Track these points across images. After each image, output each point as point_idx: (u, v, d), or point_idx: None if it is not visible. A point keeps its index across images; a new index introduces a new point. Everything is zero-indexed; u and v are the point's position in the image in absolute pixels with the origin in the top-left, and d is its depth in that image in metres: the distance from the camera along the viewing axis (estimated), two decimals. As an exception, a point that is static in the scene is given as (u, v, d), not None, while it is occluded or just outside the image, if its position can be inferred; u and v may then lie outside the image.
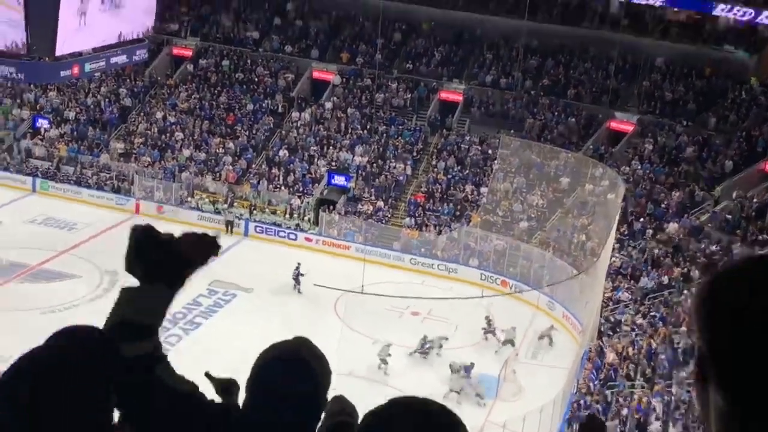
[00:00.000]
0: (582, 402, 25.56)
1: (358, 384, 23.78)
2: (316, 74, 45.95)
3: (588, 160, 38.91)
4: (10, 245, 33.34)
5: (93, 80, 44.41)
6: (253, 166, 41.72)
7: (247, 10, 49.48)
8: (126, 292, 2.22)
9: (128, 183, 40.76)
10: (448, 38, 46.67)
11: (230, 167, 41.25)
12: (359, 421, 1.90)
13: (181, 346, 28.47)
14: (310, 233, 38.41)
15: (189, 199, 40.16)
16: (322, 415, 2.24)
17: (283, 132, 43.07)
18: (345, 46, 47.09)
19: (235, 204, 39.84)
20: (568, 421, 24.88)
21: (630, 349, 27.65)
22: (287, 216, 39.43)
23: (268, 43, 47.60)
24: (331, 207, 39.25)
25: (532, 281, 34.85)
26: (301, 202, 39.74)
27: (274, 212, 39.71)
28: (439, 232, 37.80)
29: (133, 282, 2.26)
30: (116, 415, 2.10)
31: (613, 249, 32.56)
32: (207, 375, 2.39)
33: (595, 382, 26.42)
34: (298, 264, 33.41)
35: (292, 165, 41.32)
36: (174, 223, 38.38)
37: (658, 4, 42.58)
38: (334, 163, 41.27)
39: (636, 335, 28.53)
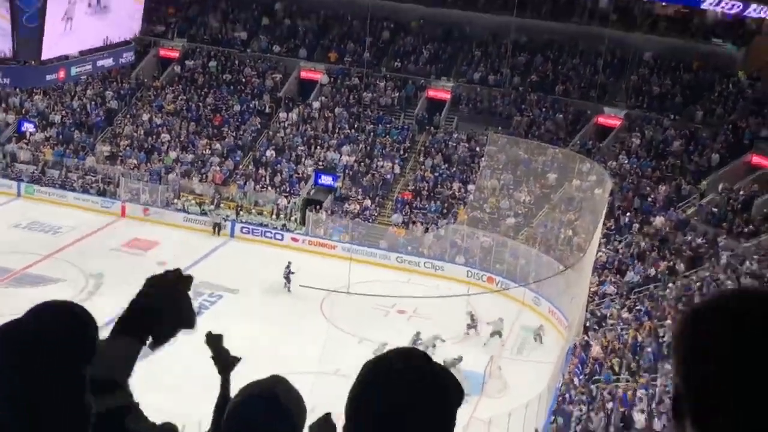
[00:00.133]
0: (567, 396, 25.42)
1: (344, 382, 23.61)
2: (303, 74, 45.85)
3: (575, 155, 38.82)
4: (-6, 250, 33.23)
5: (79, 83, 44.23)
6: (240, 167, 41.59)
7: (235, 10, 49.37)
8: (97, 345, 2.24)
9: (114, 186, 40.61)
10: (436, 36, 46.61)
11: (217, 168, 41.13)
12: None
13: (167, 349, 28.30)
14: (297, 233, 38.28)
15: (175, 201, 40.03)
16: None
17: (271, 132, 42.95)
18: (333, 46, 47.02)
19: (222, 205, 39.71)
20: (553, 413, 24.74)
21: (615, 343, 27.51)
22: (274, 216, 39.30)
23: (256, 43, 47.50)
24: (318, 207, 39.12)
25: (518, 277, 34.74)
26: (288, 203, 39.61)
27: (260, 213, 39.59)
28: (426, 230, 37.68)
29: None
30: None
31: (600, 244, 32.44)
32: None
33: (581, 377, 26.27)
34: (289, 263, 33.29)
35: (279, 165, 41.19)
36: (160, 225, 38.34)
37: (646, -2, 42.59)
38: (321, 163, 41.15)
39: (621, 329, 28.40)
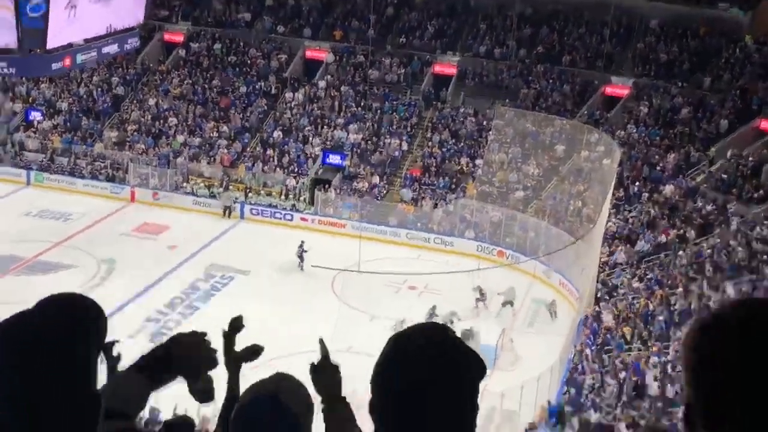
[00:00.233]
0: (579, 367, 25.44)
1: (357, 360, 23.71)
2: (309, 53, 45.71)
3: (583, 126, 38.63)
4: (6, 239, 33.36)
5: (85, 70, 44.25)
6: (248, 148, 41.60)
7: (239, -8, 49.20)
8: (114, 376, 2.44)
9: (123, 171, 40.70)
10: (441, 10, 46.34)
11: (225, 151, 41.15)
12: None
13: (180, 330, 28.45)
14: (306, 213, 38.30)
15: (184, 184, 40.10)
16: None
17: (277, 113, 42.91)
18: (337, 24, 46.83)
19: (231, 187, 39.75)
20: (566, 384, 24.77)
21: (627, 313, 27.48)
22: (283, 197, 39.33)
23: (260, 24, 47.35)
24: (327, 186, 39.12)
25: (528, 250, 34.69)
26: (297, 183, 39.62)
27: (269, 194, 39.62)
28: (435, 206, 37.63)
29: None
30: None
31: (609, 214, 32.35)
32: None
33: (593, 347, 26.27)
34: (302, 242, 33.33)
35: (286, 146, 41.18)
36: (170, 209, 38.44)
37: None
38: (328, 142, 41.10)
39: (633, 298, 28.34)
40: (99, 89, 44.84)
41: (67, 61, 38.49)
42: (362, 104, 42.73)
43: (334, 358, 2.56)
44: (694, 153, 36.43)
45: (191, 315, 29.80)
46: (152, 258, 33.24)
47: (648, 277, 29.40)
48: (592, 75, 42.02)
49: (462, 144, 40.27)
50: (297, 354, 23.14)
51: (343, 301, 30.61)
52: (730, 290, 25.90)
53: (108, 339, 2.23)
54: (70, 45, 36.93)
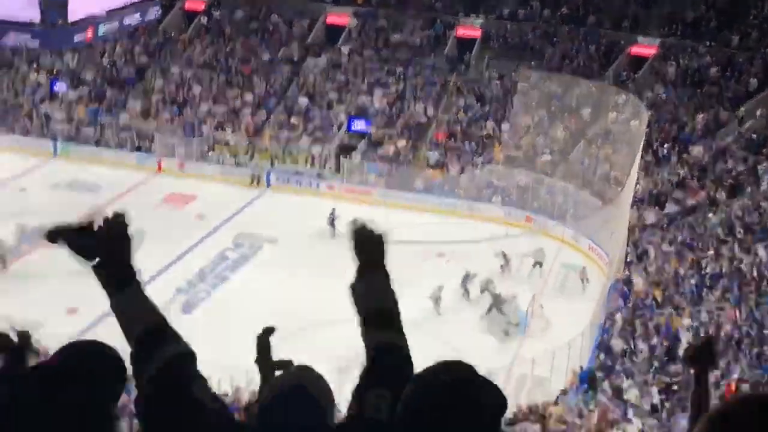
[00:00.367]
0: (611, 332, 25.37)
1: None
2: (330, 19, 45.41)
3: (610, 88, 38.26)
4: (35, 211, 33.51)
5: (107, 40, 44.22)
6: (272, 116, 41.52)
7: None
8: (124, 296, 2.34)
9: (149, 141, 40.77)
10: (462, -28, 45.81)
11: (249, 119, 41.10)
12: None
13: (210, 300, 28.69)
14: (332, 181, 38.26)
15: (210, 153, 40.12)
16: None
17: (301, 80, 42.75)
18: (359, -12, 46.45)
19: (256, 155, 39.74)
20: (597, 349, 24.75)
21: (657, 277, 27.35)
22: (308, 165, 39.30)
23: (281, -10, 47.10)
24: (352, 153, 39.03)
25: (556, 215, 34.55)
26: (322, 150, 39.55)
27: (295, 162, 39.58)
28: (462, 170, 37.48)
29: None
30: None
31: (638, 176, 32.06)
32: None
33: (623, 311, 26.19)
34: (333, 209, 33.28)
35: (311, 113, 41.08)
36: (196, 179, 38.50)
37: None
38: (353, 108, 40.94)
39: (663, 262, 28.19)
40: (122, 59, 44.83)
41: (90, 33, 38.56)
42: (386, 69, 42.47)
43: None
44: (723, 113, 36.00)
45: (221, 285, 29.96)
46: (181, 228, 33.34)
47: (678, 239, 29.22)
48: (618, 35, 41.52)
49: (488, 108, 40.01)
50: (327, 323, 23.43)
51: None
52: (762, 252, 25.73)
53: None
54: (92, 17, 36.96)
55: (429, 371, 2.11)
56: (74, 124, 41.90)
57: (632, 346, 24.10)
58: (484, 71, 41.77)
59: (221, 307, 27.69)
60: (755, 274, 24.74)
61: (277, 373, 2.74)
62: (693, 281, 26.16)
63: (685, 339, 23.40)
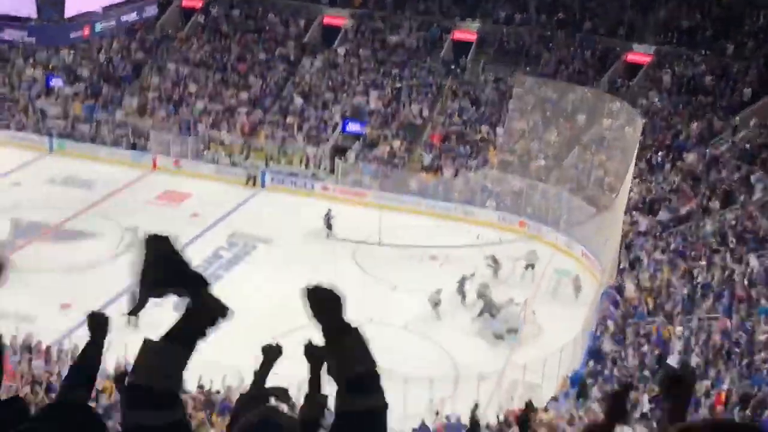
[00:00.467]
0: (602, 339, 25.49)
1: (378, 330, 23.90)
2: (327, 20, 45.48)
3: (604, 94, 38.41)
4: (30, 206, 33.61)
5: (104, 36, 44.22)
6: (268, 115, 41.57)
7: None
8: (149, 348, 2.21)
9: (144, 139, 40.77)
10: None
11: (245, 118, 41.15)
12: None
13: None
14: (327, 182, 38.34)
15: (205, 152, 40.15)
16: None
17: (296, 80, 42.81)
18: (356, -11, 46.52)
19: (251, 155, 39.78)
20: (588, 356, 24.87)
21: (649, 284, 27.48)
22: (303, 165, 39.36)
23: (278, -10, 47.14)
24: (347, 154, 39.11)
25: (549, 221, 34.68)
26: (317, 151, 39.62)
27: (290, 162, 39.63)
28: (456, 174, 37.60)
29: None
30: None
31: (632, 183, 32.22)
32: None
33: (615, 319, 26.32)
34: (329, 210, 33.44)
35: (306, 113, 41.14)
36: (192, 177, 38.53)
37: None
38: (348, 109, 41.01)
39: (655, 269, 28.33)
40: (119, 56, 44.82)
41: (86, 31, 38.66)
42: (381, 71, 42.57)
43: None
44: (717, 122, 36.20)
45: (214, 283, 29.43)
46: (175, 226, 33.11)
47: (671, 247, 29.36)
48: (614, 42, 41.69)
49: (483, 111, 40.14)
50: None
51: (365, 271, 30.75)
52: (754, 262, 25.89)
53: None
54: (89, 14, 37.02)
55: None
56: (70, 121, 41.88)
57: (623, 354, 24.23)
58: (480, 75, 41.90)
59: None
60: (746, 283, 24.91)
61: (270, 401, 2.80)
62: (685, 290, 26.29)
63: (676, 346, 23.57)
